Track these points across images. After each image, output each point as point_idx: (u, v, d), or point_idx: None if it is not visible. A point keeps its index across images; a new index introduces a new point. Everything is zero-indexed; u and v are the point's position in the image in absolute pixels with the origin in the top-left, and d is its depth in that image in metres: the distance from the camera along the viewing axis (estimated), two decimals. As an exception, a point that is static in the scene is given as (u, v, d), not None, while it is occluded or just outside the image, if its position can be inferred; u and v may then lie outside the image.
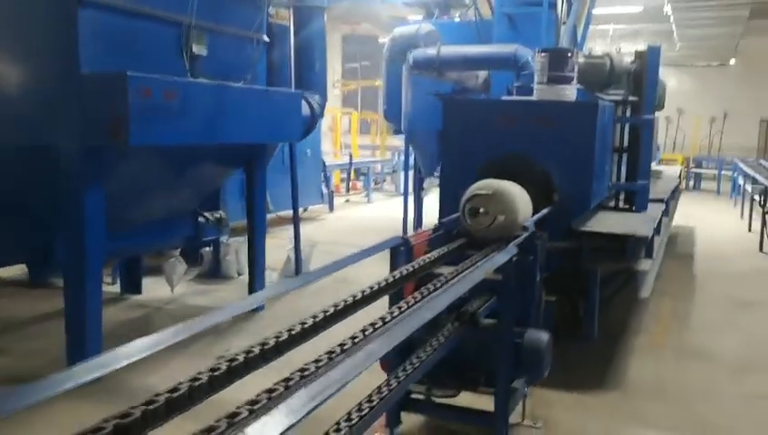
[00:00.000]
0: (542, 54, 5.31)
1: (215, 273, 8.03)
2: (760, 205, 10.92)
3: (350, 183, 17.68)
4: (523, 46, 6.92)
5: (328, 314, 2.62)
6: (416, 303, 2.79)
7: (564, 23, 8.94)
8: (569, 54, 5.34)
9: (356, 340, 2.24)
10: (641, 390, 4.96)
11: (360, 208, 15.33)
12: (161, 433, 1.67)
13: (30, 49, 4.68)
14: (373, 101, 24.45)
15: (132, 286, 7.08)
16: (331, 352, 2.10)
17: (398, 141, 20.98)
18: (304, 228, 8.21)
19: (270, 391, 1.69)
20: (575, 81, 5.34)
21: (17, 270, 7.38)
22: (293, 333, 2.35)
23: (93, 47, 4.56)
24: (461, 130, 5.23)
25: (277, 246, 8.67)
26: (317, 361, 1.99)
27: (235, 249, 8.08)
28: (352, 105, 24.29)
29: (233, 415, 1.56)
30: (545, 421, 4.31)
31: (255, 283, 6.66)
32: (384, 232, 11.01)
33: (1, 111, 4.75)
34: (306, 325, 2.45)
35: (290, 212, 9.82)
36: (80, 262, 4.72)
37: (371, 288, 3.05)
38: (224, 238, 7.93)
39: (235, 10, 5.93)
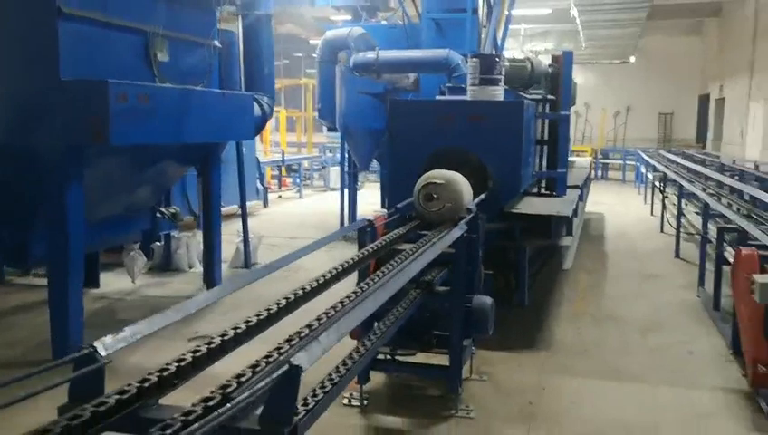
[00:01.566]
0: (474, 60, 6.02)
1: (166, 266, 8.39)
2: (660, 191, 12.11)
3: (282, 179, 18.10)
4: (453, 51, 7.64)
5: (320, 282, 3.18)
6: (396, 267, 3.42)
7: (485, 26, 9.74)
8: (497, 59, 6.08)
9: (360, 292, 2.86)
10: (566, 348, 5.77)
11: (292, 203, 15.81)
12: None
13: (12, 57, 5.01)
14: (297, 99, 24.89)
15: (91, 281, 7.38)
16: (352, 296, 2.72)
17: (324, 138, 21.60)
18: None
19: (319, 318, 2.29)
20: (503, 82, 6.08)
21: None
22: (289, 301, 2.86)
23: (71, 55, 4.95)
24: (407, 128, 5.87)
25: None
26: (343, 299, 2.61)
27: (186, 243, 8.47)
28: (277, 103, 24.64)
29: (299, 331, 2.15)
30: (489, 376, 5.04)
31: (213, 273, 7.12)
32: (320, 224, 11.68)
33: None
34: (298, 295, 2.95)
35: (227, 208, 10.30)
36: (63, 256, 5.10)
37: (347, 263, 3.64)
38: (174, 233, 8.32)
39: (189, 19, 6.38)
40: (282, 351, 2.05)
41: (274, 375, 1.79)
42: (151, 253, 8.39)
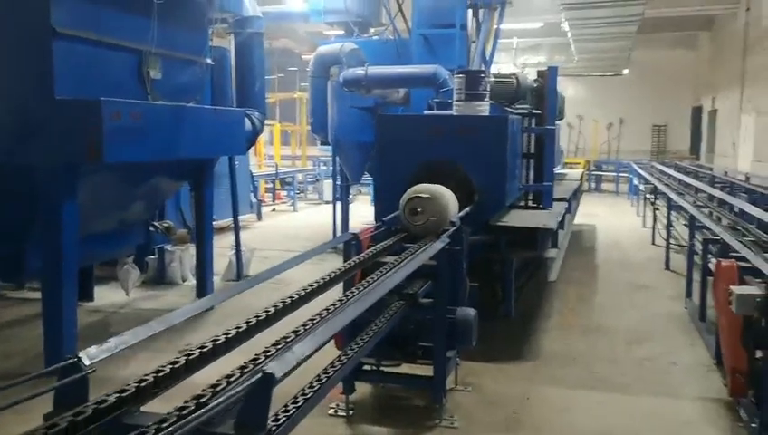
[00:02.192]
0: (459, 76, 6.15)
1: (160, 279, 8.48)
2: (651, 203, 12.23)
3: (276, 192, 18.21)
4: (441, 66, 7.78)
5: (307, 291, 3.30)
6: (381, 276, 3.52)
7: (474, 41, 9.89)
8: (481, 75, 6.21)
9: (346, 299, 2.97)
10: (554, 359, 5.86)
11: (286, 216, 15.92)
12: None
13: (7, 76, 5.11)
14: (291, 112, 25.06)
15: (85, 294, 7.47)
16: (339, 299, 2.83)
17: (318, 151, 21.71)
18: (237, 237, 8.83)
19: (305, 324, 2.40)
20: (488, 97, 6.20)
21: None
22: (277, 308, 2.99)
23: (66, 74, 5.06)
24: (394, 143, 6.00)
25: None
26: (334, 303, 2.72)
27: (179, 256, 8.56)
28: (272, 117, 24.78)
29: (285, 337, 2.26)
30: (474, 387, 5.12)
31: (206, 286, 7.22)
32: (314, 237, 11.78)
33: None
34: (286, 302, 3.08)
35: (220, 222, 10.43)
36: (57, 270, 5.18)
37: (334, 273, 3.75)
38: (168, 246, 8.41)
39: (182, 37, 6.51)
40: (268, 355, 2.16)
41: (248, 383, 1.89)
42: (145, 266, 8.47)
